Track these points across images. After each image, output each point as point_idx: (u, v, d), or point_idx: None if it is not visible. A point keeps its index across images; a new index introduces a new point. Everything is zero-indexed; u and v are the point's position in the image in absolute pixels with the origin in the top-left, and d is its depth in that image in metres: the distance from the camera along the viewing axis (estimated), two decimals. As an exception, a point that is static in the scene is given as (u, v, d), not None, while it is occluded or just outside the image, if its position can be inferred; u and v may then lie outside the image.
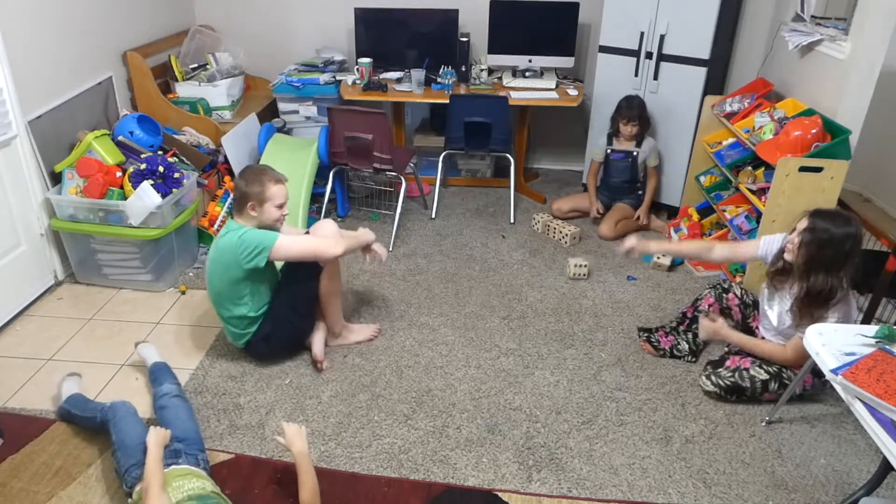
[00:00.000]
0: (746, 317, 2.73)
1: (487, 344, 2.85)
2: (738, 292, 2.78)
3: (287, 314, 2.60)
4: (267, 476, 2.17)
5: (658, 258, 3.47)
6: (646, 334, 2.84)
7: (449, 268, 3.45)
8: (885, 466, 1.99)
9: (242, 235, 2.42)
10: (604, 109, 3.96)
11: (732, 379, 2.46)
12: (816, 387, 2.49)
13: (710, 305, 2.77)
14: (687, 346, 2.75)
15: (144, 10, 3.91)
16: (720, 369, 2.51)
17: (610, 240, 3.71)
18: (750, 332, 2.67)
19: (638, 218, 3.81)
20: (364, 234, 2.74)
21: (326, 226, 2.72)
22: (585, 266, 3.32)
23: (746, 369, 2.46)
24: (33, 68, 3.00)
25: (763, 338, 2.57)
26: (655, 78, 3.77)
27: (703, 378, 2.53)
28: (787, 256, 2.37)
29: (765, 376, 2.44)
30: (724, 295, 2.80)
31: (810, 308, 2.30)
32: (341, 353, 2.78)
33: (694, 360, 2.75)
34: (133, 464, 1.93)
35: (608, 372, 2.69)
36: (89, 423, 2.27)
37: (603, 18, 3.81)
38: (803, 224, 2.31)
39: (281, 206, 2.51)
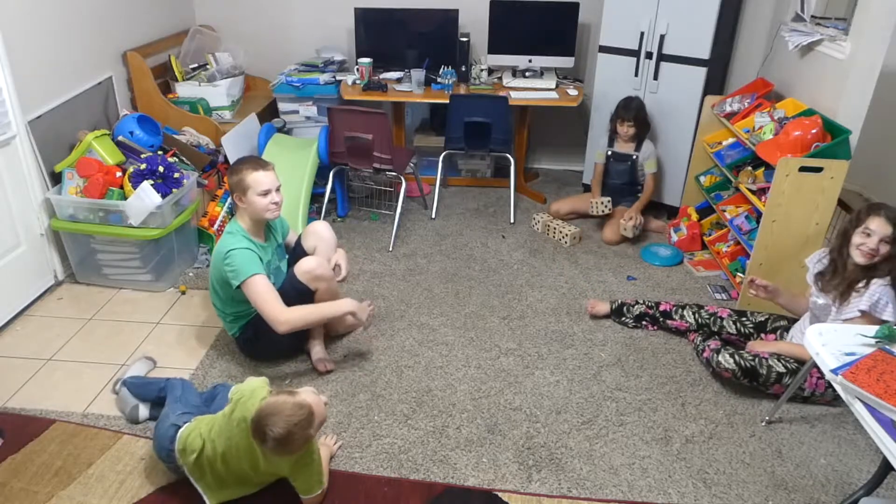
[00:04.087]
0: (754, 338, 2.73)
1: (487, 344, 2.85)
2: (734, 329, 2.73)
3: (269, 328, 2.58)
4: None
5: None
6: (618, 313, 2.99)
7: (449, 268, 3.45)
8: (885, 466, 1.99)
9: (231, 251, 2.41)
10: (604, 109, 3.96)
11: (753, 363, 2.45)
12: (826, 394, 2.46)
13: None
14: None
15: (144, 10, 3.90)
16: (742, 351, 2.51)
17: (615, 244, 3.70)
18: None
19: (630, 218, 3.70)
20: (338, 306, 2.50)
21: (319, 228, 2.71)
22: (608, 203, 3.69)
23: (766, 358, 2.45)
24: (33, 68, 3.00)
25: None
26: (655, 78, 3.77)
27: (725, 355, 2.49)
28: (861, 260, 2.25)
29: (781, 369, 2.42)
30: (713, 339, 2.75)
31: (855, 286, 2.27)
32: (341, 352, 2.78)
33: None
34: (187, 411, 2.12)
35: (608, 372, 2.69)
36: (151, 390, 2.38)
37: (603, 18, 3.82)
38: (885, 230, 2.19)
39: (266, 194, 2.44)
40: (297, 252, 2.75)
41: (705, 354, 2.59)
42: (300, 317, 2.44)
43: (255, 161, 2.49)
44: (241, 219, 2.52)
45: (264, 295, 2.40)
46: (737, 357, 2.48)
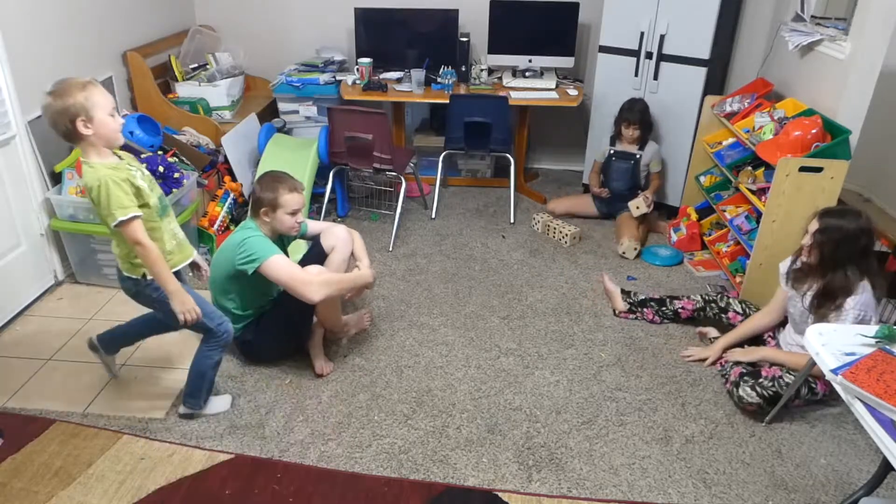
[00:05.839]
0: None
1: (487, 344, 2.85)
2: (739, 308, 2.79)
3: (272, 329, 2.59)
4: (267, 476, 2.16)
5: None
6: (630, 303, 3.02)
7: (449, 268, 3.45)
8: (885, 466, 1.99)
9: (247, 239, 2.45)
10: (604, 109, 3.96)
11: (774, 388, 2.37)
12: (834, 394, 2.43)
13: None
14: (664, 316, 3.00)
15: (144, 10, 3.91)
16: (760, 379, 2.41)
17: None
18: (760, 343, 2.68)
19: (646, 208, 3.67)
20: (361, 276, 2.62)
21: (337, 230, 2.71)
22: (636, 248, 3.58)
23: (781, 377, 2.38)
24: (33, 68, 3.00)
25: (777, 345, 2.60)
26: (655, 78, 3.77)
27: (747, 388, 2.39)
28: (804, 258, 2.39)
29: (800, 385, 2.38)
30: (723, 315, 2.81)
31: (830, 303, 2.30)
32: (341, 353, 2.78)
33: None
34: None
35: (608, 372, 2.69)
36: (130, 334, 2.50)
37: (603, 18, 3.82)
38: (815, 226, 2.32)
39: (294, 214, 2.51)
40: (314, 251, 2.75)
41: (727, 386, 2.52)
42: (329, 280, 2.47)
43: (292, 182, 2.53)
44: (258, 224, 2.54)
45: (289, 268, 2.43)
46: (758, 388, 2.38)
